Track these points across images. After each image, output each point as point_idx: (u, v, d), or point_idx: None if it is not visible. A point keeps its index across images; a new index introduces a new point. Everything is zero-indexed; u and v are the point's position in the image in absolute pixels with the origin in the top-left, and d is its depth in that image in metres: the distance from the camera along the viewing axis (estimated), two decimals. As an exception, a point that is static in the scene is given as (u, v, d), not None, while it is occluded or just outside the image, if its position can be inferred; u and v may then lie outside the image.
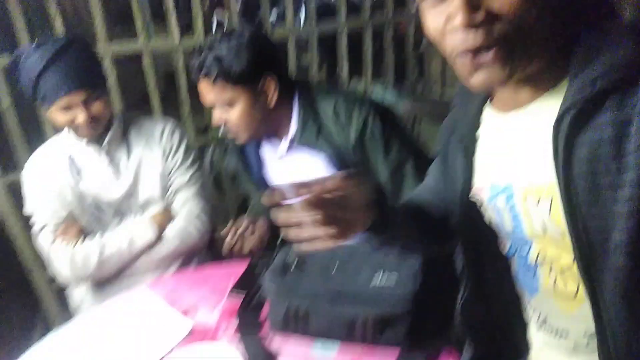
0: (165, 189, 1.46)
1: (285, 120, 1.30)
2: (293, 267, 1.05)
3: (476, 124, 0.73)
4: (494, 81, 0.59)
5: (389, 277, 0.97)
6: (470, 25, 0.55)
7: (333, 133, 1.26)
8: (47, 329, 2.03)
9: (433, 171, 0.91)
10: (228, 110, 1.23)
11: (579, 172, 0.57)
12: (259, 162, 1.45)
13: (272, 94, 1.24)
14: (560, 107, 0.58)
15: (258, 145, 1.42)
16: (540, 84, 0.62)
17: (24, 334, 2.00)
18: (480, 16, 0.54)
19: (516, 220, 0.70)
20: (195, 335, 1.08)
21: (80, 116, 1.27)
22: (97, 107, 1.30)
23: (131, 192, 1.43)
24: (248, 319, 1.08)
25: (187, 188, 1.46)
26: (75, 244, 1.34)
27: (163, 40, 2.19)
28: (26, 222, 1.47)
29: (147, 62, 2.03)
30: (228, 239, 1.34)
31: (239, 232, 1.34)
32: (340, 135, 1.26)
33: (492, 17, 0.54)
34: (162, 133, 1.46)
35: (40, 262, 1.65)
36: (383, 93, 2.50)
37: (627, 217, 0.55)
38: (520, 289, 0.78)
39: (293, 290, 0.99)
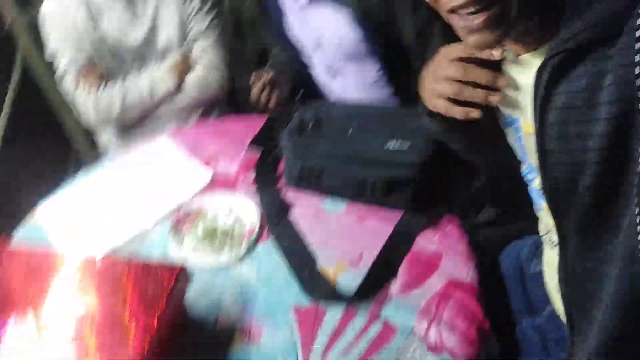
0: (183, 36, 1.42)
1: None
2: (310, 126, 1.07)
3: None
4: (489, 43, 0.60)
5: (402, 143, 0.98)
6: None
7: None
8: (78, 166, 2.19)
9: None
10: None
11: (554, 119, 0.59)
12: (279, 11, 1.36)
13: None
14: (545, 56, 0.58)
15: None
16: (536, 37, 0.62)
17: (58, 170, 2.16)
18: None
19: (522, 151, 0.74)
20: (215, 184, 1.15)
21: None
22: None
23: (150, 38, 1.40)
24: (265, 172, 1.14)
25: (205, 35, 1.42)
26: (98, 90, 1.36)
27: None
28: (50, 63, 1.48)
29: None
30: (254, 91, 1.32)
31: (264, 83, 1.29)
32: None
33: None
34: (180, -25, 1.37)
35: (67, 104, 1.70)
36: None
37: (596, 164, 0.57)
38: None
39: (309, 149, 1.03)
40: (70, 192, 1.18)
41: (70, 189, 1.19)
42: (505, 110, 0.74)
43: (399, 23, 1.19)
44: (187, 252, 1.00)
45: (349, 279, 0.91)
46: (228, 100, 1.60)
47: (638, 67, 0.48)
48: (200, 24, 1.41)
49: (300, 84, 1.43)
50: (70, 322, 0.75)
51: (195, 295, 0.90)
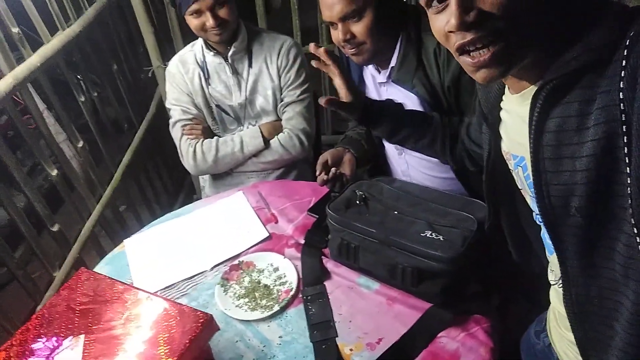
0: (277, 102, 1.60)
1: (390, 50, 1.26)
2: (356, 204, 1.13)
3: (498, 104, 0.79)
4: (494, 77, 0.63)
5: (437, 236, 1.00)
6: (464, 25, 0.59)
7: (430, 71, 1.22)
8: (190, 193, 2.49)
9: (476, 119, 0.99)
10: (355, 23, 1.17)
11: (547, 142, 0.63)
12: (361, 86, 1.46)
13: (396, 8, 1.21)
14: (540, 83, 0.63)
15: (361, 71, 1.43)
16: (540, 69, 0.64)
17: (172, 196, 2.48)
18: (472, 16, 0.58)
19: (531, 189, 0.73)
20: (270, 242, 1.26)
21: (209, 20, 1.42)
22: (223, 12, 1.43)
23: (248, 102, 1.59)
24: (314, 240, 1.22)
25: (295, 104, 1.58)
26: (198, 141, 1.58)
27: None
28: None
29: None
30: (320, 178, 1.36)
31: (329, 176, 1.34)
32: (437, 74, 1.21)
33: (484, 17, 0.58)
34: (280, 50, 1.55)
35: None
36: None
37: (585, 185, 0.60)
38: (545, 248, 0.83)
39: (349, 225, 1.08)
40: (155, 230, 1.38)
41: (157, 227, 1.40)
42: (512, 151, 0.77)
43: (461, 108, 1.23)
44: (229, 300, 1.11)
45: (361, 361, 0.94)
46: (311, 162, 1.74)
47: (622, 93, 0.53)
48: (292, 93, 1.57)
49: (371, 158, 1.51)
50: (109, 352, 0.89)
51: (222, 342, 1.01)
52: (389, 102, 1.17)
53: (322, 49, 1.06)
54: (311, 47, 1.06)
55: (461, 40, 0.61)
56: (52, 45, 1.56)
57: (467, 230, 1.00)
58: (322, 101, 1.06)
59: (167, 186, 2.45)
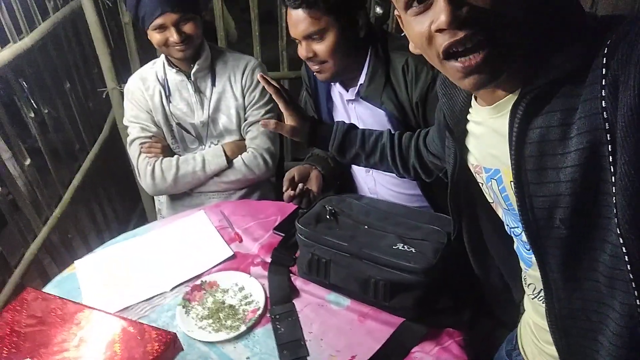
0: (240, 122, 1.57)
1: (357, 68, 1.28)
2: (326, 218, 1.11)
3: (464, 117, 0.77)
4: (485, 83, 0.60)
5: (409, 249, 0.99)
6: (456, 22, 0.55)
7: (398, 88, 1.24)
8: (142, 218, 2.38)
9: (436, 132, 0.98)
10: (317, 42, 1.21)
11: (529, 153, 0.61)
12: (329, 104, 1.47)
13: (362, 30, 1.23)
14: (519, 93, 0.61)
15: (329, 88, 1.44)
16: (515, 80, 0.63)
17: (123, 222, 2.36)
18: (463, 13, 0.55)
19: (508, 202, 0.73)
20: (234, 262, 1.21)
21: (173, 36, 1.39)
22: (188, 27, 1.41)
23: (211, 120, 1.56)
24: (280, 258, 1.18)
25: (259, 124, 1.55)
26: (157, 160, 1.52)
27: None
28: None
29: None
30: (286, 196, 1.39)
31: (296, 192, 1.37)
32: (405, 91, 1.24)
33: (475, 14, 0.55)
34: (245, 70, 1.54)
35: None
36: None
37: (570, 196, 0.58)
38: (520, 261, 0.82)
39: (320, 240, 1.06)
40: (109, 250, 1.30)
41: (110, 247, 1.31)
42: (484, 164, 0.75)
43: (429, 125, 1.25)
44: (191, 322, 1.05)
45: (334, 379, 0.90)
46: (275, 180, 1.71)
47: (604, 101, 0.52)
48: (256, 113, 1.55)
49: (338, 176, 1.51)
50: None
51: (185, 366, 0.94)
52: (339, 123, 1.18)
53: (259, 75, 1.18)
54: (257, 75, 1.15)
55: (450, 39, 0.57)
56: (1, 56, 1.48)
57: (438, 243, 1.00)
58: (269, 125, 1.14)
59: (117, 212, 2.34)
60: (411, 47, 0.67)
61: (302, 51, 1.24)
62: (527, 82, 0.60)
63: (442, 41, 0.58)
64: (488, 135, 0.72)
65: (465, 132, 0.78)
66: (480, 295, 0.95)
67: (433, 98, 1.19)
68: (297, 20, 1.20)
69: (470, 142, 0.79)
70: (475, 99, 0.74)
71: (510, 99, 0.64)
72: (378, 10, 2.49)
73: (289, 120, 1.16)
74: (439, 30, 0.57)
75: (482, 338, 1.00)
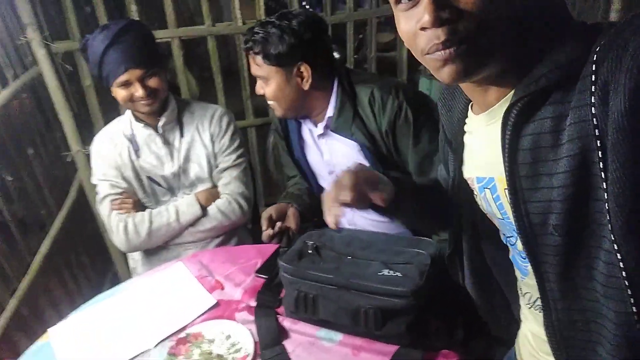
0: (212, 169, 1.57)
1: (323, 103, 1.33)
2: (308, 253, 1.10)
3: (462, 128, 0.79)
4: (461, 74, 0.61)
5: (395, 273, 0.99)
6: (438, 22, 0.57)
7: (367, 120, 1.28)
8: (115, 282, 2.29)
9: (441, 154, 0.96)
10: (265, 85, 1.32)
11: (523, 160, 0.62)
12: (301, 142, 1.50)
13: (306, 80, 1.29)
14: (510, 101, 0.62)
15: (299, 127, 1.47)
16: (505, 85, 0.65)
17: (96, 285, 2.26)
18: (446, 14, 0.57)
19: (502, 210, 0.73)
20: (218, 310, 1.17)
21: (139, 91, 1.40)
22: (152, 82, 1.42)
23: (182, 171, 1.55)
24: (266, 300, 1.15)
25: (231, 170, 1.56)
26: (129, 215, 1.49)
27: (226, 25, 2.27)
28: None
29: (211, 45, 2.14)
30: (265, 233, 1.40)
31: (276, 230, 1.40)
32: (373, 121, 1.27)
33: (457, 15, 0.57)
34: (212, 118, 1.56)
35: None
36: (429, 85, 2.43)
37: (562, 202, 0.59)
38: (516, 270, 0.82)
39: (305, 275, 1.04)
40: (84, 314, 1.24)
41: (85, 310, 1.25)
42: (477, 174, 0.76)
43: (401, 153, 1.28)
44: (179, 377, 1.00)
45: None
46: (252, 225, 1.69)
47: (594, 108, 0.53)
48: (227, 159, 1.55)
49: (314, 211, 1.51)
50: None
51: None
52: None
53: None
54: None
55: (433, 41, 0.59)
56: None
57: (422, 265, 1.00)
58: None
59: (89, 277, 2.24)
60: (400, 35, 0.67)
61: (257, 87, 1.35)
62: (518, 87, 0.61)
63: (426, 40, 0.60)
64: (482, 143, 0.73)
65: (462, 145, 0.80)
66: (472, 313, 0.95)
67: (401, 123, 1.24)
68: (251, 61, 1.32)
69: (466, 154, 0.80)
70: (472, 107, 0.75)
71: (502, 105, 0.65)
72: (336, 55, 2.61)
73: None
74: (423, 29, 0.59)
75: (478, 357, 0.98)
